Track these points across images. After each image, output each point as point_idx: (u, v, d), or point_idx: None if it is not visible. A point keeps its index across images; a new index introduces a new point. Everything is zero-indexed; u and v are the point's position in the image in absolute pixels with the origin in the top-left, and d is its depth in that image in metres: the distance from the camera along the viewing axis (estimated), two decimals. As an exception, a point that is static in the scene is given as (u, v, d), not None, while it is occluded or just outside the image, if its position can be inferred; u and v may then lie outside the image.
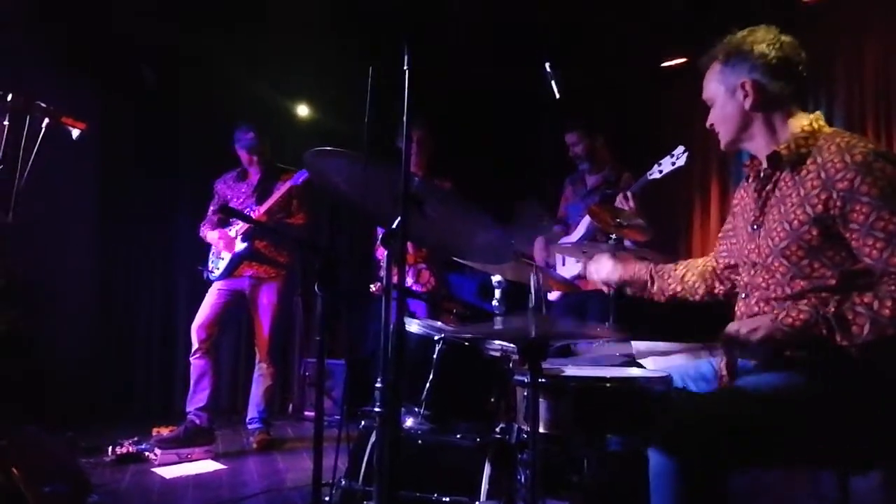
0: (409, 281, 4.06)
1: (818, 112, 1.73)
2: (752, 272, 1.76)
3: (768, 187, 1.74)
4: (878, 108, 3.89)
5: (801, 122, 1.69)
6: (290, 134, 4.86)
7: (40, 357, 3.99)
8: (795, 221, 1.61)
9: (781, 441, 1.56)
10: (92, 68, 4.36)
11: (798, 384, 1.58)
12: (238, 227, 3.98)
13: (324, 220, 4.36)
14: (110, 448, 3.57)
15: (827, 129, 1.69)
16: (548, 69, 2.66)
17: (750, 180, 1.82)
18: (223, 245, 4.00)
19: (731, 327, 1.61)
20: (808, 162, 1.63)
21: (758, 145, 1.76)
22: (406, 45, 1.53)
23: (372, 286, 4.05)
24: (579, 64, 4.09)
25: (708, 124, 1.84)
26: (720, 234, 2.02)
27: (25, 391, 3.48)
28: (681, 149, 3.00)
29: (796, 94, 1.73)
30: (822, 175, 1.58)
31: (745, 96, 1.71)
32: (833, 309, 1.49)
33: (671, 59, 4.19)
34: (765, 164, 1.74)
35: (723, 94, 1.76)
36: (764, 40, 1.70)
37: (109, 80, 4.50)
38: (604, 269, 2.14)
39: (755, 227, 1.76)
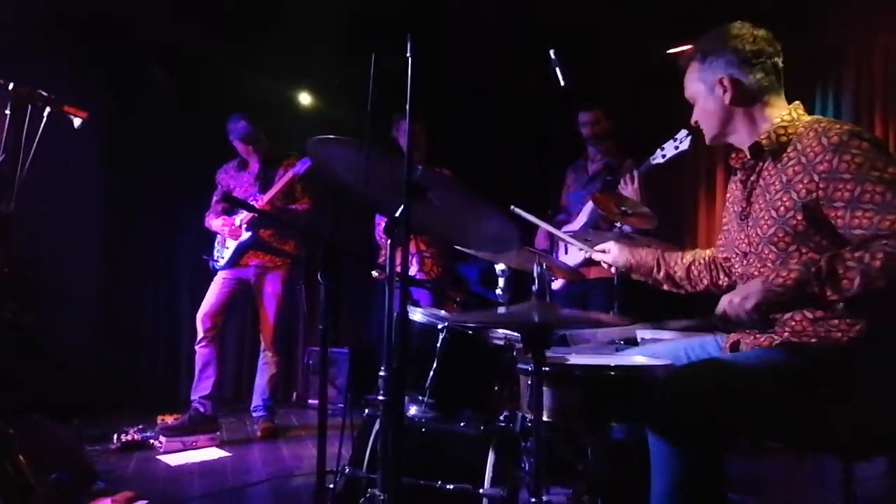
0: (414, 269, 4.05)
1: (797, 102, 1.77)
2: (745, 262, 1.79)
3: (753, 178, 1.78)
4: (886, 100, 3.86)
5: (780, 112, 1.74)
6: (292, 122, 4.84)
7: (45, 346, 4.00)
8: (781, 208, 1.64)
9: (775, 421, 1.57)
10: (96, 61, 4.34)
11: (795, 360, 1.60)
12: (242, 215, 3.98)
13: (327, 208, 4.35)
14: (115, 436, 3.59)
15: (806, 117, 1.73)
16: (552, 56, 2.63)
17: (737, 173, 1.86)
18: (228, 232, 4.00)
19: (724, 299, 1.61)
20: (789, 150, 1.67)
21: (741, 138, 1.80)
22: (409, 33, 1.52)
23: (374, 272, 4.05)
24: (585, 50, 4.06)
25: (692, 121, 1.88)
26: (722, 228, 2.03)
27: (30, 380, 3.49)
28: (684, 132, 2.96)
29: (775, 84, 1.76)
30: (803, 160, 1.61)
31: (724, 91, 1.76)
32: (824, 265, 1.49)
33: (677, 46, 4.16)
34: (748, 156, 1.78)
35: (703, 92, 1.81)
36: (737, 36, 1.74)
37: (113, 73, 4.49)
38: (609, 255, 2.16)
39: (743, 217, 1.80)
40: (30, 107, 2.69)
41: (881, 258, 1.44)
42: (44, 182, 2.83)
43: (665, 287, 2.11)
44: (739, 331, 1.79)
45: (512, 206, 2.12)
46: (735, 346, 1.80)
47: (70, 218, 4.37)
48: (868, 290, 1.45)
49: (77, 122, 2.82)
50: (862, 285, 1.45)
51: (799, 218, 1.61)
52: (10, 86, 2.64)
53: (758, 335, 1.73)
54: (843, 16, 4.03)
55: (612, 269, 2.21)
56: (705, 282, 2.04)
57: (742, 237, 1.79)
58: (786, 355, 1.62)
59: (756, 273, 1.73)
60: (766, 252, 1.69)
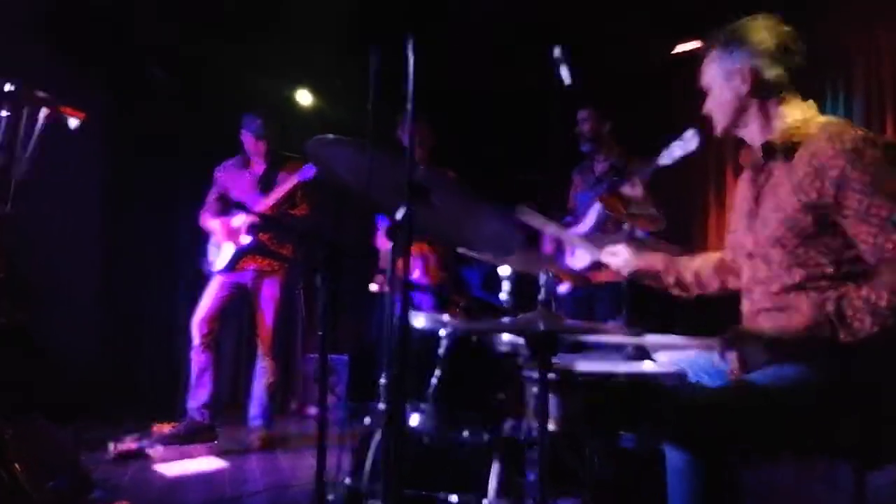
0: (417, 272, 4.02)
1: (811, 101, 1.75)
2: (751, 264, 1.77)
3: (762, 177, 1.76)
4: (896, 99, 3.85)
5: (794, 111, 1.72)
6: (292, 123, 4.83)
7: (42, 351, 3.96)
8: (790, 209, 1.63)
9: (792, 434, 1.56)
10: (96, 61, 4.33)
11: (811, 378, 1.57)
12: (241, 217, 3.93)
13: (328, 213, 4.32)
14: (112, 445, 3.54)
15: (819, 119, 1.70)
16: (557, 55, 2.60)
17: (746, 172, 1.84)
18: (224, 233, 3.93)
19: (739, 355, 1.61)
20: (800, 150, 1.65)
21: (752, 132, 1.78)
22: (410, 31, 1.49)
23: (373, 285, 4.00)
24: (591, 49, 4.04)
25: (704, 110, 1.85)
26: (729, 229, 2.00)
27: (27, 386, 3.45)
28: (691, 132, 2.88)
29: (792, 82, 1.73)
30: (814, 163, 1.59)
31: (742, 82, 1.73)
32: (832, 308, 1.51)
33: (679, 45, 4.15)
34: (759, 154, 1.76)
35: (720, 80, 1.78)
36: (763, 28, 1.72)
37: (113, 73, 4.48)
38: (620, 258, 2.14)
39: (751, 217, 1.78)
40: (27, 107, 2.67)
41: (886, 297, 1.47)
42: (42, 183, 2.80)
43: (675, 291, 2.10)
44: None
45: (518, 208, 2.08)
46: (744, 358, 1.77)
47: (68, 219, 4.35)
48: (882, 327, 1.48)
49: (74, 123, 2.79)
50: (875, 324, 1.48)
51: (808, 220, 1.60)
52: (7, 86, 2.62)
53: None
54: (849, 15, 4.03)
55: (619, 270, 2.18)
56: (715, 285, 2.04)
57: (749, 237, 1.78)
58: (796, 370, 1.59)
59: (763, 277, 1.71)
60: (773, 253, 1.67)
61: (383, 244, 4.07)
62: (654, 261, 2.08)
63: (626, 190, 3.17)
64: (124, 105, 4.56)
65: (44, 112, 2.71)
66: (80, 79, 4.02)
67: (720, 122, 1.82)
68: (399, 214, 1.51)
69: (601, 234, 2.50)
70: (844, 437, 1.57)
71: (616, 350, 2.20)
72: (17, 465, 2.21)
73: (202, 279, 4.17)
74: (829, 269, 1.59)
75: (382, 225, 4.02)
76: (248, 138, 4.05)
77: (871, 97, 3.94)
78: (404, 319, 1.45)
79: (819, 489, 2.52)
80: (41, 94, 2.72)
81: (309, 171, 3.77)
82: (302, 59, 4.57)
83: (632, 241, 2.43)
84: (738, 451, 1.50)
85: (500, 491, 1.90)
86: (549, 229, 2.36)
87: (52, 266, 4.17)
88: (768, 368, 1.68)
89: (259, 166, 4.08)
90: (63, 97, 2.75)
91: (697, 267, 2.05)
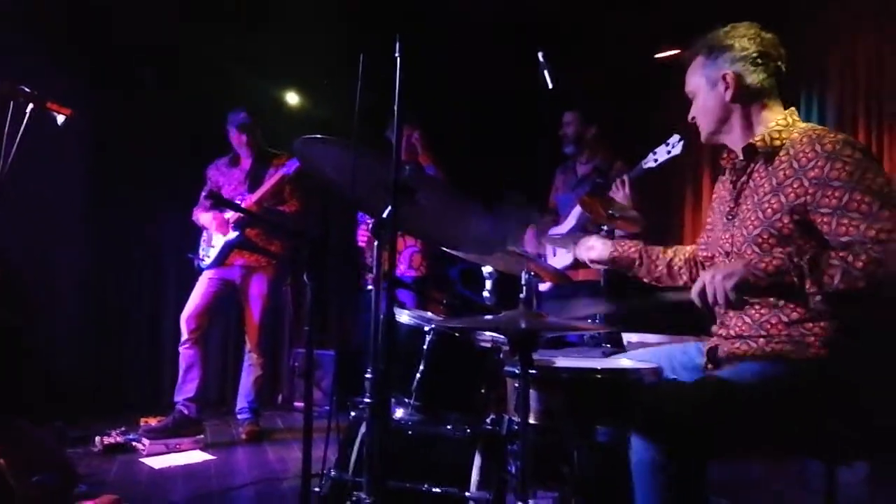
0: (402, 266, 4.04)
1: (793, 108, 1.79)
2: (727, 262, 1.79)
3: (743, 178, 1.80)
4: (869, 107, 3.91)
5: (776, 116, 1.76)
6: (281, 122, 4.82)
7: (28, 347, 3.94)
8: (769, 210, 1.66)
9: (760, 429, 1.58)
10: (83, 58, 4.31)
11: (779, 374, 1.61)
12: (231, 213, 3.94)
13: (316, 211, 4.32)
14: (98, 438, 3.54)
15: (801, 124, 1.75)
16: (541, 58, 2.64)
17: (727, 173, 1.88)
18: (216, 226, 3.93)
19: (706, 274, 1.62)
20: (782, 154, 1.69)
21: (735, 138, 1.82)
22: (398, 33, 1.52)
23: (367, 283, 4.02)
24: (576, 53, 4.07)
25: (690, 117, 1.89)
26: (706, 228, 2.04)
27: (12, 381, 3.44)
28: (676, 137, 2.98)
29: (774, 88, 1.78)
30: (795, 165, 1.63)
31: (726, 88, 1.77)
32: (808, 257, 1.52)
33: (666, 51, 4.19)
34: (740, 157, 1.79)
35: (704, 87, 1.82)
36: (745, 35, 1.76)
37: (100, 69, 4.45)
38: (594, 250, 2.16)
39: (730, 217, 1.82)
40: (12, 103, 2.66)
41: (864, 259, 1.47)
42: (27, 180, 2.79)
43: (645, 280, 2.13)
44: (717, 335, 1.81)
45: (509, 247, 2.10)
46: (713, 351, 1.82)
47: (53, 217, 4.31)
48: (848, 287, 1.49)
49: (60, 118, 2.79)
50: (842, 283, 1.48)
51: (785, 221, 1.63)
52: (-8, 82, 2.62)
53: (734, 341, 1.75)
54: (826, 23, 4.08)
55: (598, 267, 2.21)
56: (685, 277, 2.06)
57: (726, 237, 1.81)
58: (765, 367, 1.64)
59: None
60: (749, 252, 1.71)
61: (362, 239, 4.10)
62: (629, 250, 2.10)
63: (615, 192, 3.22)
64: (110, 102, 4.53)
65: (30, 108, 2.72)
66: (68, 75, 3.99)
67: (704, 129, 1.86)
68: (385, 213, 1.55)
69: (580, 234, 2.54)
70: (810, 435, 1.60)
71: (594, 346, 2.25)
72: (1, 461, 2.22)
73: (188, 274, 4.17)
74: None
75: (366, 223, 4.04)
76: (231, 132, 4.06)
77: (844, 105, 4.00)
78: (390, 316, 1.49)
79: (790, 485, 2.58)
80: (27, 89, 2.72)
81: (292, 165, 3.79)
82: (292, 58, 4.56)
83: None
84: (703, 446, 1.51)
85: (482, 484, 1.93)
86: (535, 262, 2.35)
87: (37, 263, 4.14)
88: (735, 366, 1.73)
89: (247, 163, 4.09)
90: (48, 93, 2.75)
91: (669, 258, 2.08)
